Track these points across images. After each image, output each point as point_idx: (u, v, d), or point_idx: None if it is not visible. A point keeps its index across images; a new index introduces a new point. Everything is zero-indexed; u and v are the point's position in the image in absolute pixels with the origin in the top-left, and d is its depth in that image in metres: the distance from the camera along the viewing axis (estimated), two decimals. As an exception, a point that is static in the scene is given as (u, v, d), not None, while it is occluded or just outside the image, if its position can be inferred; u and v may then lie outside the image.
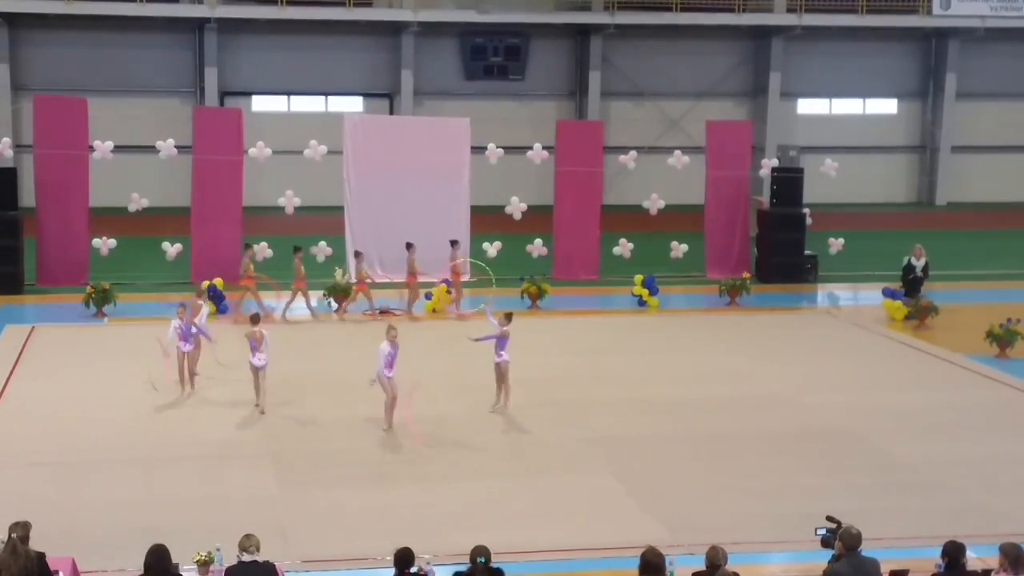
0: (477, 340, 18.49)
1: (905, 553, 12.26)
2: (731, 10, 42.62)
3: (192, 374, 19.13)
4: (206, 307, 20.74)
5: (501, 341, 18.02)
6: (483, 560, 10.36)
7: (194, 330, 19.01)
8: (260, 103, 42.39)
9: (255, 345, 18.08)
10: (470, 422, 17.67)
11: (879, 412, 18.50)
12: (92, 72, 40.26)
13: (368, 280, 25.41)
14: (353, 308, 25.64)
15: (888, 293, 26.28)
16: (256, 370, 18.17)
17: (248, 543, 10.46)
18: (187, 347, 18.92)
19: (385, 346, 17.04)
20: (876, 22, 43.54)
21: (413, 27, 41.44)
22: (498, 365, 18.10)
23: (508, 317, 18.25)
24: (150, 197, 29.17)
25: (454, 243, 26.03)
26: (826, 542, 10.80)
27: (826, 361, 22.08)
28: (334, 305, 25.71)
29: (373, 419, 17.39)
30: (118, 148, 28.71)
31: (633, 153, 30.79)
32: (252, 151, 28.75)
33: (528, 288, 26.43)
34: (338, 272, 26.35)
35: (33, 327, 23.61)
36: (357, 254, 25.81)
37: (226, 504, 14.29)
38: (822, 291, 29.71)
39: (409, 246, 25.28)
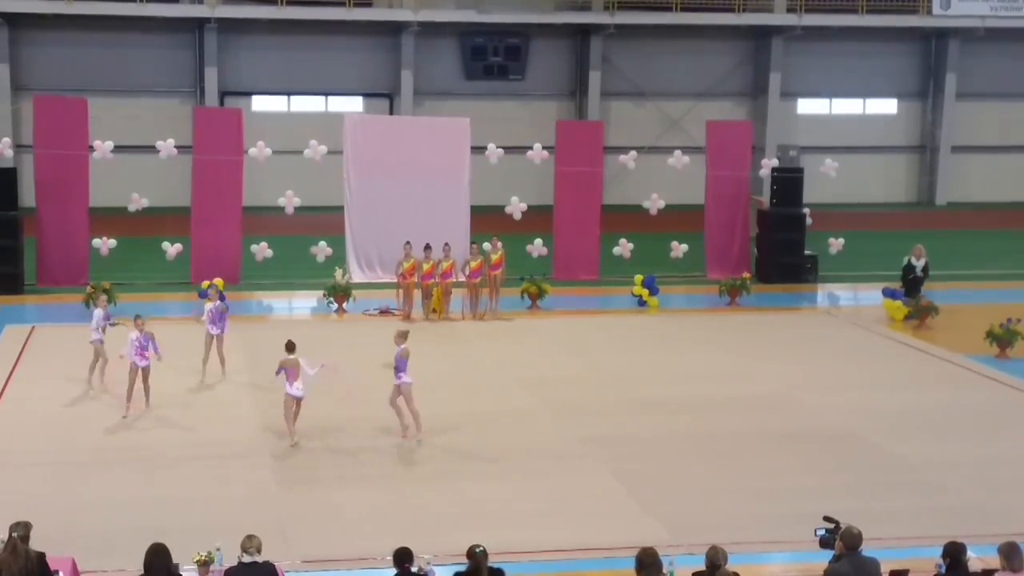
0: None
1: (905, 553, 12.27)
2: (731, 10, 42.60)
3: (147, 388, 18.08)
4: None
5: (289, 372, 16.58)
6: (481, 550, 10.24)
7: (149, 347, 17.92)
8: (260, 103, 42.36)
9: (212, 317, 19.54)
10: (469, 422, 17.66)
11: (879, 412, 18.50)
12: (92, 72, 40.22)
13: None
14: (353, 308, 25.67)
15: (888, 293, 26.27)
16: (213, 337, 19.58)
17: (249, 544, 10.44)
18: (143, 362, 17.76)
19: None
20: (876, 22, 43.51)
21: (413, 27, 41.42)
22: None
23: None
24: (150, 197, 29.17)
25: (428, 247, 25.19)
26: (825, 542, 10.80)
27: (826, 361, 22.08)
28: (334, 305, 25.74)
29: (372, 419, 17.40)
30: (118, 148, 28.72)
31: (633, 153, 30.78)
32: (252, 151, 28.74)
33: (528, 288, 26.44)
34: (338, 272, 26.36)
35: (33, 327, 23.62)
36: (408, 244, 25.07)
37: (226, 504, 14.29)
38: (822, 291, 29.70)
39: (406, 246, 25.13)
